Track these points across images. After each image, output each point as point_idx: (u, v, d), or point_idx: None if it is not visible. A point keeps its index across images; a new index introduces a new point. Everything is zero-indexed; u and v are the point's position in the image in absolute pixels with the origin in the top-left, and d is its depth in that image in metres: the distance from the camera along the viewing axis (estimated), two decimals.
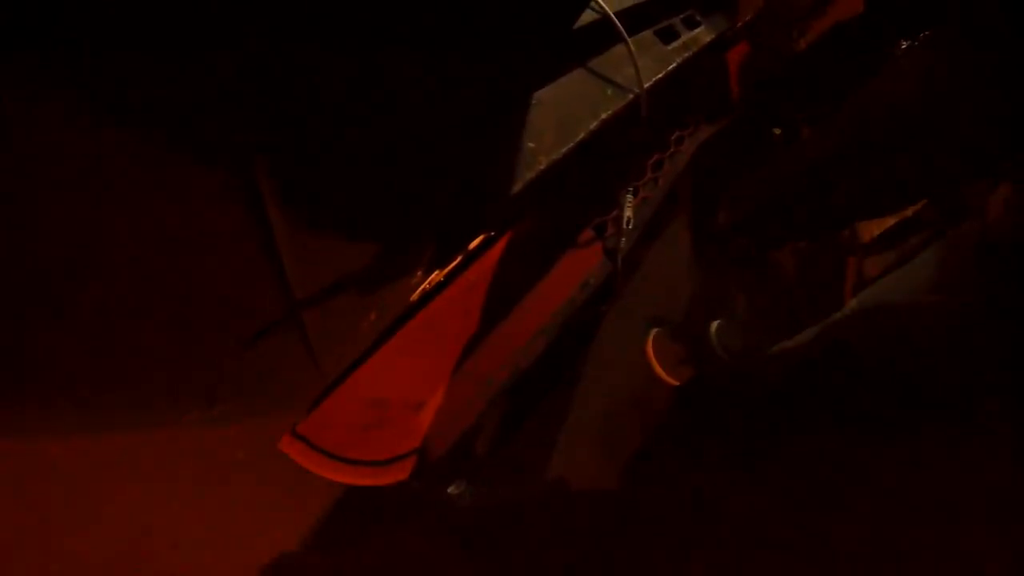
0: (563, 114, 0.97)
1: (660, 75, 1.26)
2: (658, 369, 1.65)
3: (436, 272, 0.91)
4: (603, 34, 1.14)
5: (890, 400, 1.05)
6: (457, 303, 1.07)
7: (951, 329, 1.18)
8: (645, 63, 1.22)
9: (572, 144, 0.93)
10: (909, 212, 2.25)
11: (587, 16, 1.09)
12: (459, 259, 0.97)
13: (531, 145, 0.88)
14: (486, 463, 1.29)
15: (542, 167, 0.86)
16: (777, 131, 2.14)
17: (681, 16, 1.51)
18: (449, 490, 1.20)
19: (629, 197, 1.25)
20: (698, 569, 0.83)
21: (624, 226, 1.24)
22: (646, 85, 1.16)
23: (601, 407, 1.50)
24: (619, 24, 1.11)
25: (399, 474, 1.08)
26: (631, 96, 1.13)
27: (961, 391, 0.98)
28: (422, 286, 0.91)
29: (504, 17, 0.76)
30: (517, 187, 0.82)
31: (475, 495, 1.23)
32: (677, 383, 1.67)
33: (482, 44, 0.77)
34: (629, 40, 1.13)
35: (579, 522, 1.37)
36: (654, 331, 1.69)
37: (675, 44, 1.42)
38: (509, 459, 1.34)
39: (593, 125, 0.99)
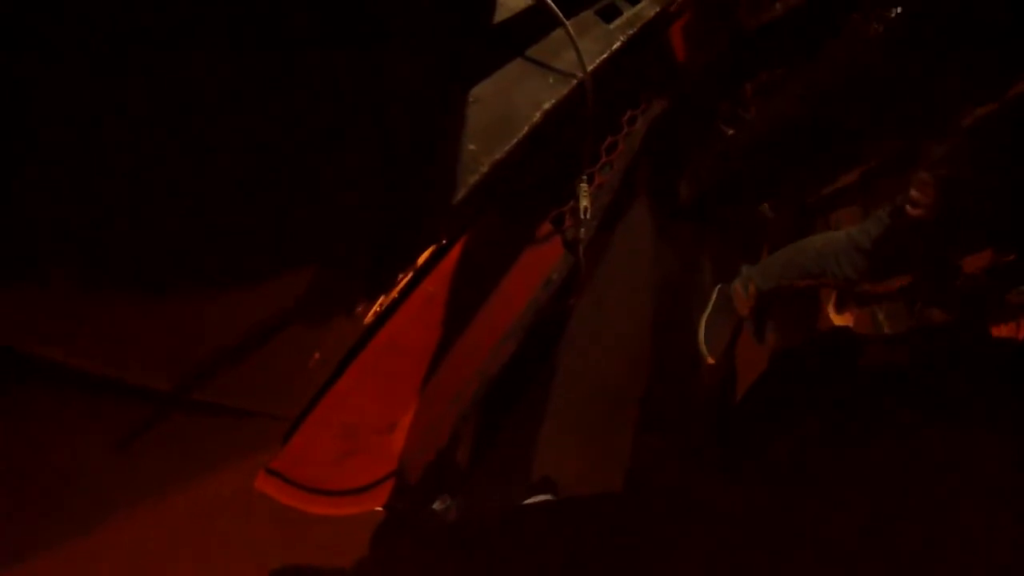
0: (504, 109, 0.92)
1: (604, 56, 1.21)
2: None
3: (383, 296, 0.86)
4: (540, 19, 1.08)
5: (889, 400, 1.04)
6: (417, 318, 1.02)
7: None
8: (587, 45, 1.18)
9: (515, 141, 0.88)
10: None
11: (521, 1, 1.04)
12: (411, 274, 0.92)
13: (472, 147, 0.83)
14: (468, 475, 1.25)
15: (485, 169, 0.81)
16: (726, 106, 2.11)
17: None
18: (434, 506, 1.16)
19: (584, 186, 1.20)
20: (692, 568, 0.80)
21: (582, 216, 1.19)
22: (590, 68, 1.12)
23: (580, 401, 1.46)
24: (555, 7, 1.06)
25: (378, 499, 1.04)
26: (574, 82, 1.08)
27: (961, 392, 0.97)
28: (374, 308, 0.86)
29: (417, 12, 0.70)
30: (460, 195, 0.77)
31: (461, 508, 1.19)
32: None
33: (405, 43, 0.72)
34: (567, 23, 1.08)
35: (567, 525, 1.34)
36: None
37: (618, 22, 1.37)
38: (491, 467, 1.30)
39: (536, 118, 0.94)
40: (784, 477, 0.95)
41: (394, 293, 0.92)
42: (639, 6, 1.48)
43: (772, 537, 0.74)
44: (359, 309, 0.81)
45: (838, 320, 2.31)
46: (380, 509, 1.06)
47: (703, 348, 1.82)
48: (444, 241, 0.99)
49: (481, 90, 0.92)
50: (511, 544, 1.15)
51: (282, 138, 0.57)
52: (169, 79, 0.44)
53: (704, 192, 1.94)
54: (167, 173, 0.47)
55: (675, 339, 1.83)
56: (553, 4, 1.07)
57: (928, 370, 1.05)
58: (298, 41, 0.52)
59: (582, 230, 1.21)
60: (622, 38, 1.32)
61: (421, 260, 0.92)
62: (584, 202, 1.19)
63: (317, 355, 0.77)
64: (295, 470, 1.00)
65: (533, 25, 1.09)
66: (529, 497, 1.41)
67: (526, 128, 0.91)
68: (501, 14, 1.02)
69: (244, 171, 0.55)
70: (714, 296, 1.91)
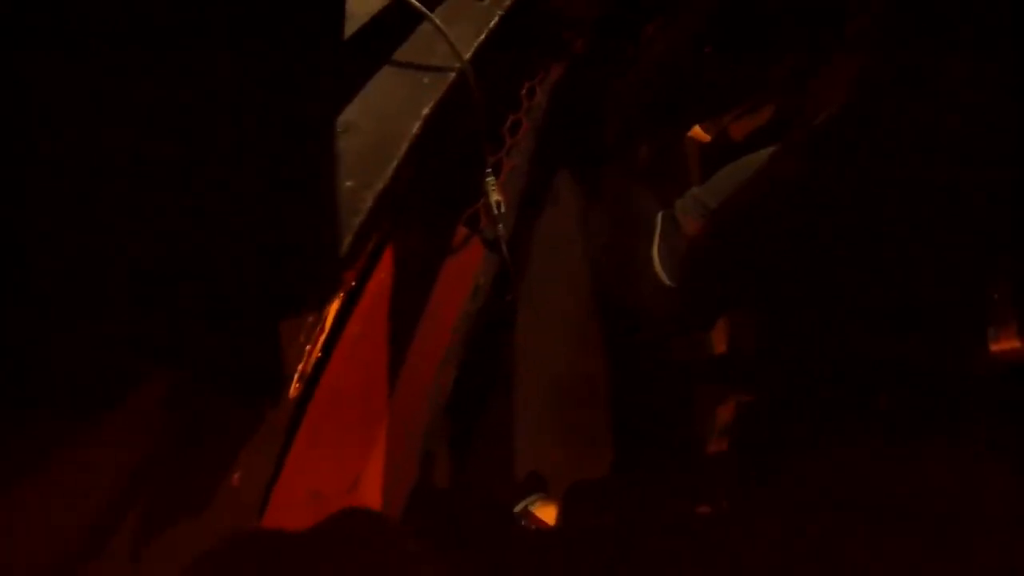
0: (380, 129, 0.85)
1: (481, 38, 1.14)
2: None
3: (298, 365, 0.79)
4: (402, 17, 1.00)
5: (888, 401, 1.02)
6: (350, 363, 0.95)
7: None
8: (461, 31, 1.10)
9: (398, 161, 0.81)
10: None
11: (376, 3, 0.96)
12: (327, 328, 0.85)
13: (349, 184, 0.76)
14: (449, 504, 1.21)
15: (369, 204, 0.74)
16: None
17: None
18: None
19: (491, 179, 1.14)
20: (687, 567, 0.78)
21: (496, 211, 1.13)
22: (467, 56, 1.04)
23: (544, 394, 1.43)
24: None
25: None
26: (452, 75, 1.00)
27: (960, 393, 0.96)
28: (294, 379, 0.79)
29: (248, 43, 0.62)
30: (347, 242, 0.70)
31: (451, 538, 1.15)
32: None
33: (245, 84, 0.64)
34: (431, 14, 1.01)
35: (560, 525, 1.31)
36: None
37: None
38: (471, 489, 1.26)
39: (416, 128, 0.87)
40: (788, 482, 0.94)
41: (316, 353, 0.85)
42: None
43: (774, 538, 0.72)
44: (266, 407, 0.74)
45: None
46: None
47: (660, 275, 1.77)
48: (352, 283, 0.92)
49: (350, 114, 0.85)
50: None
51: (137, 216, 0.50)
52: None
53: (629, 123, 1.90)
54: None
55: (625, 291, 1.78)
56: None
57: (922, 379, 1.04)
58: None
59: (500, 226, 1.15)
60: (499, 13, 1.24)
61: (332, 312, 0.85)
62: (495, 196, 1.12)
63: (237, 475, 0.71)
64: None
65: (395, 26, 1.01)
66: (521, 500, 1.38)
67: (407, 144, 0.83)
68: (355, 24, 0.94)
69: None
70: (659, 223, 1.85)
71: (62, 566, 0.52)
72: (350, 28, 0.92)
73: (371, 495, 1.04)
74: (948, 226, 1.03)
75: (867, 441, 1.00)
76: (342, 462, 1.01)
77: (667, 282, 1.78)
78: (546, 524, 1.38)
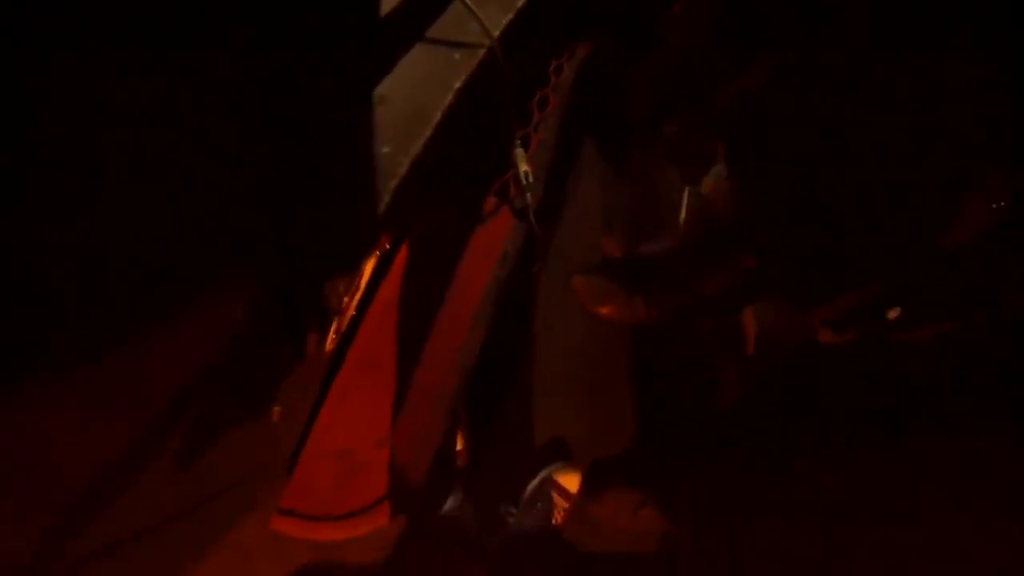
0: (414, 101, 0.90)
1: (510, 16, 1.17)
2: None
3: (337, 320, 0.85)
4: None
5: (889, 402, 1.04)
6: (381, 327, 1.01)
7: None
8: (490, 10, 1.14)
9: (431, 132, 0.86)
10: None
11: None
12: (362, 289, 0.91)
13: (387, 150, 0.81)
14: (473, 467, 1.26)
15: (405, 170, 0.80)
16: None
17: None
18: (447, 507, 1.18)
19: (520, 151, 1.18)
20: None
21: (524, 181, 1.17)
22: (496, 33, 1.08)
23: (568, 366, 1.46)
24: None
25: (384, 514, 1.05)
26: (482, 52, 1.05)
27: (961, 395, 0.98)
28: (330, 334, 0.85)
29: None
30: (384, 202, 0.75)
31: (475, 503, 1.20)
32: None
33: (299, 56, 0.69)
34: None
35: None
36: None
37: None
38: (495, 454, 1.31)
39: (448, 100, 0.92)
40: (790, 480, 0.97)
41: (351, 311, 0.91)
42: None
43: (777, 538, 0.76)
44: (311, 345, 0.80)
45: None
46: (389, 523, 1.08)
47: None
48: (387, 247, 0.97)
49: (386, 87, 0.90)
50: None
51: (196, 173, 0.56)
52: None
53: (654, 103, 1.91)
54: None
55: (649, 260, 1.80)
56: None
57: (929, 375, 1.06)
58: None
59: (528, 195, 1.20)
60: None
61: (368, 272, 0.91)
62: (523, 167, 1.17)
63: (278, 409, 0.77)
64: (302, 504, 1.01)
65: (429, 5, 1.06)
66: (543, 468, 1.43)
67: (439, 116, 0.88)
68: (391, 3, 0.99)
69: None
70: (685, 199, 1.88)
71: (106, 469, 0.58)
72: (386, 7, 0.97)
73: (398, 454, 1.10)
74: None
75: (871, 441, 1.02)
76: (371, 422, 1.07)
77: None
78: (568, 492, 1.42)
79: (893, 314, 1.20)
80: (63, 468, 0.55)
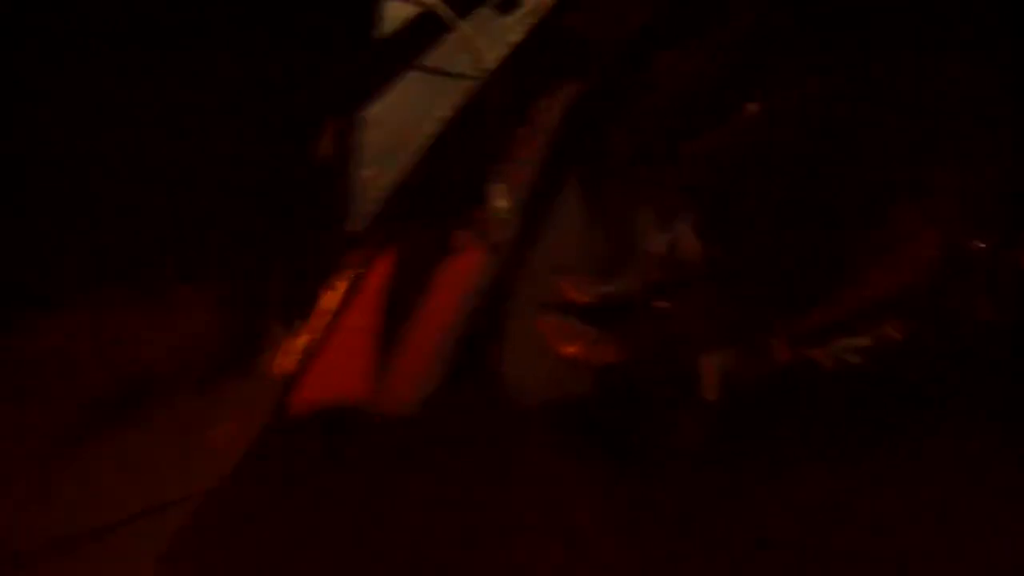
0: (399, 127, 0.92)
1: (504, 52, 1.20)
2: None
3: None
4: (432, 25, 1.07)
5: (888, 401, 1.05)
6: (345, 354, 1.01)
7: None
8: (484, 43, 1.16)
9: (413, 157, 0.88)
10: None
11: (410, 10, 1.03)
12: (328, 314, 0.91)
13: (368, 173, 0.82)
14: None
15: (384, 194, 0.81)
16: None
17: None
18: None
19: (499, 186, 1.20)
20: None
21: (501, 216, 1.19)
22: (487, 67, 1.11)
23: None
24: (447, 9, 1.05)
25: None
26: (472, 84, 1.07)
27: (961, 393, 0.99)
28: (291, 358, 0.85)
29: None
30: (360, 224, 0.76)
31: None
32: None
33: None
34: (460, 24, 1.08)
35: None
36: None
37: (518, 13, 1.36)
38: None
39: (432, 130, 0.94)
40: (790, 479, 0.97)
41: (315, 336, 0.90)
42: None
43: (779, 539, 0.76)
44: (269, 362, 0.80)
45: None
46: None
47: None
48: (358, 270, 0.98)
49: (374, 110, 0.91)
50: None
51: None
52: None
53: (638, 147, 1.95)
54: None
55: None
56: (444, 6, 1.06)
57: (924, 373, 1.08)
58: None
59: (502, 231, 1.21)
60: (523, 29, 1.31)
61: (336, 298, 0.91)
62: (500, 202, 1.19)
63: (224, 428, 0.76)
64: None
65: (425, 32, 1.08)
66: None
67: (423, 143, 0.90)
68: (389, 27, 1.01)
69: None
70: (656, 240, 1.91)
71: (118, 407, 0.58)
72: (382, 33, 0.99)
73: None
74: None
75: (867, 444, 1.03)
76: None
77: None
78: None
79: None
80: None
